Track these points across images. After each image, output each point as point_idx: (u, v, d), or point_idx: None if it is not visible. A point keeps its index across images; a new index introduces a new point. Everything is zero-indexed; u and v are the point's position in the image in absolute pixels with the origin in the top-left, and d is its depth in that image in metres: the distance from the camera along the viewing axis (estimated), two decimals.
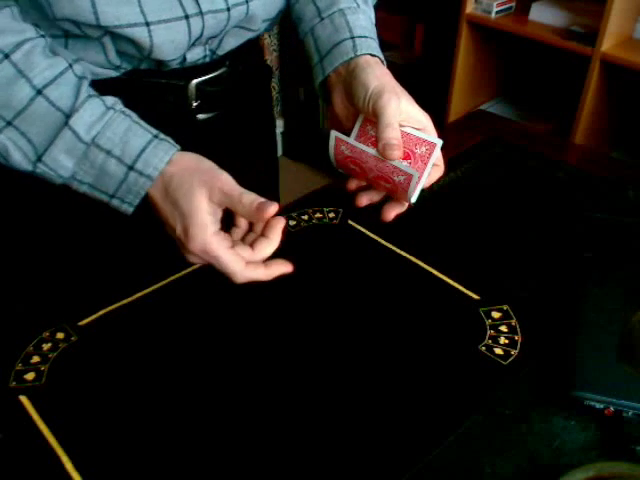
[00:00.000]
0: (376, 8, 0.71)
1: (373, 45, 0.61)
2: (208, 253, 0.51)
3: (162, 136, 0.53)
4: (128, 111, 0.54)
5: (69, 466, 0.46)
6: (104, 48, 0.57)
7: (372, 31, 0.64)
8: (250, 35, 0.67)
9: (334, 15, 0.62)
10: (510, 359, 0.55)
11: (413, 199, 0.57)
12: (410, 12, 2.02)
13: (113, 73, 0.60)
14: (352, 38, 0.61)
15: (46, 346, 0.56)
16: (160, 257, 0.65)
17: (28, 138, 0.52)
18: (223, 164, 0.72)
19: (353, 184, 0.60)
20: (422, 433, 0.49)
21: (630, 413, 0.49)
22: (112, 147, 0.52)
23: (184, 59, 0.62)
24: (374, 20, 0.67)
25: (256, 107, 0.78)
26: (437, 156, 0.56)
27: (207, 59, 0.65)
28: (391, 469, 0.47)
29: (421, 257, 0.66)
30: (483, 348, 0.56)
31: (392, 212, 0.59)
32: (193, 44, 0.60)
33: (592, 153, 1.02)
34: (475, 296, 0.62)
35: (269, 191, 0.86)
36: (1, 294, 0.69)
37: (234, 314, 0.60)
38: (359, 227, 0.71)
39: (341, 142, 0.57)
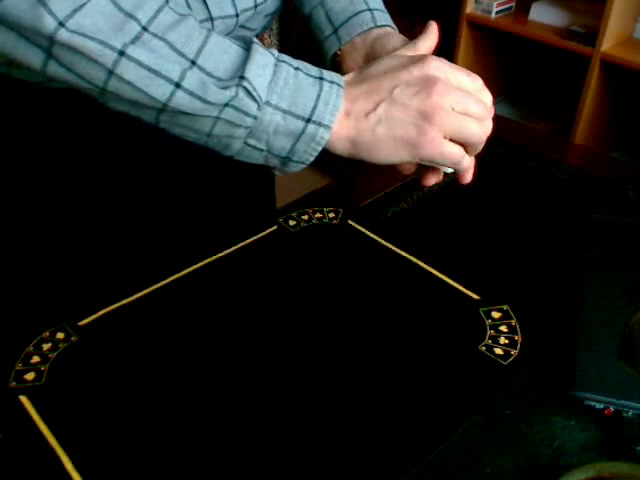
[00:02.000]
0: None
1: (389, 18, 0.63)
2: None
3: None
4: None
5: (69, 466, 0.46)
6: None
7: (384, 7, 0.65)
8: (250, 34, 0.66)
9: None
10: (510, 359, 0.55)
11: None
12: (410, 12, 2.02)
13: None
14: (370, 10, 0.61)
15: (46, 346, 0.56)
16: (160, 257, 0.65)
17: (215, 76, 0.48)
18: (216, 164, 0.71)
19: None
20: (422, 433, 0.49)
21: (630, 413, 0.49)
22: (297, 64, 0.51)
23: None
24: None
25: None
26: None
27: None
28: (391, 469, 0.47)
29: (421, 257, 0.66)
30: (483, 348, 0.56)
31: (431, 179, 0.59)
32: None
33: (592, 153, 1.02)
34: (475, 296, 0.62)
35: (264, 190, 0.86)
36: (1, 294, 0.69)
37: (234, 314, 0.60)
38: (359, 227, 0.71)
39: None
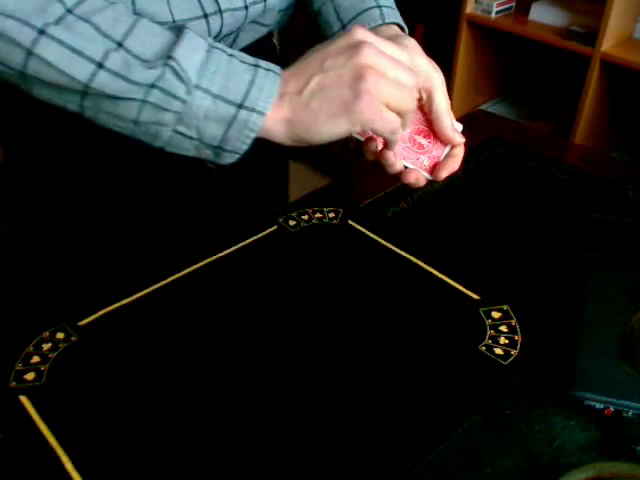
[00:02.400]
0: None
1: (399, 16, 0.62)
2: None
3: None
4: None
5: (69, 466, 0.46)
6: None
7: (394, 5, 0.64)
8: (264, 30, 0.66)
9: None
10: (510, 359, 0.55)
11: (443, 155, 0.60)
12: (410, 12, 2.02)
13: None
14: (379, 7, 0.61)
15: (46, 346, 0.56)
16: (160, 257, 0.65)
17: (142, 59, 0.47)
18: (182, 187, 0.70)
19: (374, 143, 0.58)
20: (422, 433, 0.49)
21: (630, 413, 0.49)
22: (232, 52, 0.50)
23: None
24: None
25: None
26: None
27: None
28: (391, 469, 0.47)
29: (421, 257, 0.66)
30: (483, 348, 0.56)
31: (444, 171, 0.59)
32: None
33: (592, 153, 1.02)
34: (475, 296, 0.62)
35: (277, 191, 0.86)
36: (1, 294, 0.69)
37: (234, 314, 0.60)
38: (359, 227, 0.71)
39: None
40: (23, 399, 0.51)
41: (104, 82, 0.46)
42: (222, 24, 0.59)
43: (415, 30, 2.00)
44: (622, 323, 0.56)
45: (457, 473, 0.47)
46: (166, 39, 0.48)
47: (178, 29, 0.49)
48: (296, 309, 0.60)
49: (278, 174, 0.87)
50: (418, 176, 0.59)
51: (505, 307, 0.60)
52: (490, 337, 0.57)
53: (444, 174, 0.60)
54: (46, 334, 0.57)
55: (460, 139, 0.59)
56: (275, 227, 0.70)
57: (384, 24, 0.60)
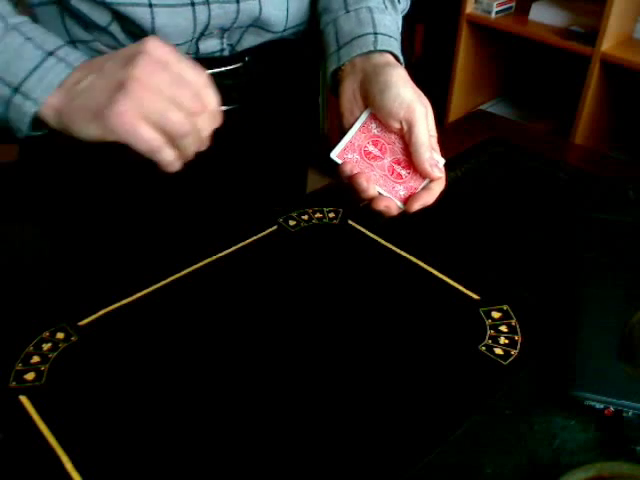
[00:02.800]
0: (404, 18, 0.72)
1: (395, 45, 0.62)
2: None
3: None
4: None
5: (69, 466, 0.46)
6: (114, 37, 0.58)
7: (396, 34, 0.64)
8: (271, 36, 0.66)
9: (361, 10, 0.62)
10: (510, 359, 0.55)
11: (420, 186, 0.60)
12: (410, 12, 2.02)
13: None
14: (375, 34, 0.61)
15: (46, 346, 0.56)
16: (160, 257, 0.65)
17: None
18: (237, 162, 0.71)
19: (348, 167, 0.59)
20: (422, 433, 0.49)
21: (630, 413, 0.49)
22: (34, 36, 0.49)
23: (197, 49, 0.62)
24: (400, 28, 0.68)
25: (290, 109, 0.76)
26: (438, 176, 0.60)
27: (225, 52, 0.65)
28: (391, 469, 0.47)
29: (421, 257, 0.66)
30: (483, 348, 0.56)
31: (417, 203, 0.59)
32: (202, 34, 0.60)
33: (592, 153, 1.02)
34: (475, 296, 0.62)
35: (294, 200, 0.84)
36: (1, 294, 0.69)
37: (234, 314, 0.60)
38: (359, 227, 0.71)
39: (374, 119, 0.59)
40: (23, 399, 0.51)
41: None
42: (209, 15, 0.58)
43: (415, 30, 2.00)
44: (622, 323, 0.56)
45: (457, 473, 0.47)
46: None
47: None
48: (296, 309, 0.60)
49: (296, 179, 0.87)
50: (389, 204, 0.59)
51: (505, 307, 0.60)
52: (490, 337, 0.57)
53: (416, 206, 0.59)
54: (46, 334, 0.57)
55: (438, 174, 0.59)
56: (275, 227, 0.70)
57: (376, 51, 0.60)
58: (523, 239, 0.70)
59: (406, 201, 0.60)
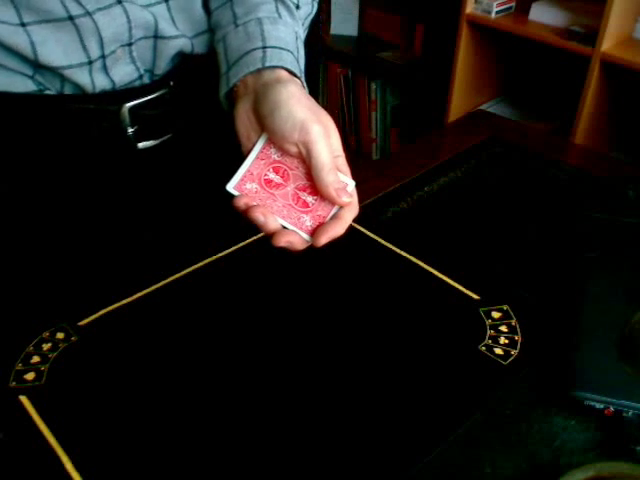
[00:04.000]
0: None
1: (288, 58, 0.55)
2: None
3: None
4: None
5: (69, 466, 0.46)
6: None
7: (292, 45, 0.57)
8: (183, 46, 0.61)
9: (250, 23, 0.56)
10: (510, 359, 0.55)
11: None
12: (410, 12, 2.02)
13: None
14: (263, 48, 0.54)
15: (46, 346, 0.56)
16: (160, 257, 0.65)
17: None
18: (171, 199, 0.66)
19: (242, 201, 0.53)
20: (422, 433, 0.49)
21: (630, 413, 0.49)
22: None
23: (112, 81, 0.58)
24: (302, 36, 0.61)
25: (216, 133, 0.67)
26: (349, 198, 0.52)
27: (145, 79, 0.61)
28: (391, 469, 0.47)
29: (421, 257, 0.66)
30: (483, 348, 0.56)
31: (324, 236, 0.52)
32: (103, 56, 0.56)
33: (592, 153, 1.02)
34: (475, 296, 0.62)
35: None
36: (1, 294, 0.69)
37: (234, 314, 0.60)
38: (359, 227, 0.71)
39: (272, 144, 0.53)
40: (23, 399, 0.51)
41: None
42: (97, 27, 0.54)
43: (415, 30, 2.00)
44: (622, 323, 0.56)
45: (457, 473, 0.47)
46: None
47: None
48: (296, 309, 0.60)
49: None
50: (292, 239, 0.52)
51: (505, 307, 0.60)
52: (490, 337, 0.57)
53: (323, 240, 0.51)
54: (46, 334, 0.57)
55: (346, 199, 0.51)
56: None
57: (264, 68, 0.53)
58: (523, 239, 0.70)
59: (313, 232, 0.52)
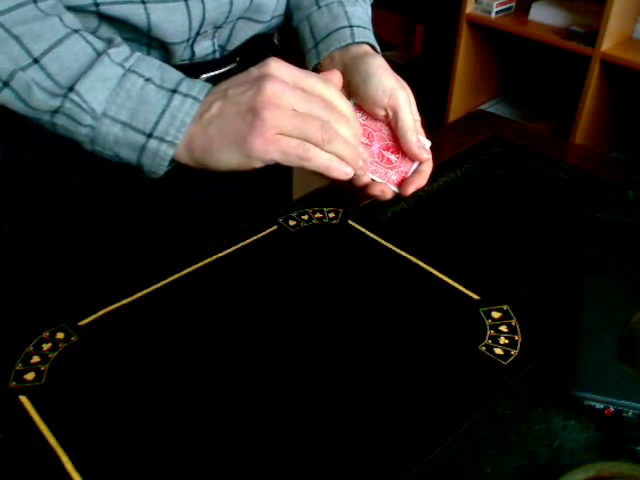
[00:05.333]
0: (373, 6, 0.73)
1: (370, 35, 0.63)
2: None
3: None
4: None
5: (69, 466, 0.46)
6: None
7: (369, 24, 0.66)
8: (259, 28, 0.66)
9: (333, 5, 0.64)
10: (510, 359, 0.55)
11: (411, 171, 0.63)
12: (410, 12, 2.02)
13: None
14: (350, 27, 0.62)
15: (46, 346, 0.56)
16: (160, 257, 0.65)
17: (55, 80, 0.47)
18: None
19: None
20: (422, 433, 0.49)
21: (630, 413, 0.49)
22: (151, 75, 0.49)
23: (193, 54, 0.62)
24: (371, 17, 0.69)
25: None
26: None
27: (217, 55, 0.65)
28: (391, 469, 0.47)
29: (421, 257, 0.66)
30: (483, 348, 0.56)
31: (411, 186, 0.61)
32: (198, 33, 0.60)
33: (592, 153, 1.02)
34: (475, 296, 0.62)
35: (281, 190, 0.86)
36: (1, 294, 0.69)
37: (234, 314, 0.60)
38: (359, 227, 0.71)
39: (358, 109, 0.61)
40: (23, 399, 0.51)
41: (8, 100, 0.47)
42: (204, 9, 0.58)
43: (415, 30, 2.00)
44: (622, 323, 0.56)
45: (457, 473, 0.47)
46: (83, 64, 0.47)
47: (101, 53, 0.48)
48: (296, 309, 0.60)
49: (282, 176, 0.87)
50: (384, 189, 0.61)
51: (505, 307, 0.60)
52: (490, 337, 0.57)
53: (411, 189, 0.61)
54: (46, 334, 0.57)
55: (426, 155, 0.61)
56: (275, 227, 0.70)
57: (354, 43, 0.62)
58: (523, 239, 0.70)
59: (399, 184, 0.62)
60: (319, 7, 0.64)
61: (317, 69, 0.64)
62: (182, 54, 0.61)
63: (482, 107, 1.93)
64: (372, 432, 0.49)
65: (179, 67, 0.61)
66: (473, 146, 0.88)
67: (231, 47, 0.66)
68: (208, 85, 0.51)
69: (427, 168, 0.62)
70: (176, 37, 0.59)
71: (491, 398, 0.52)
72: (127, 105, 0.48)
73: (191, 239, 0.68)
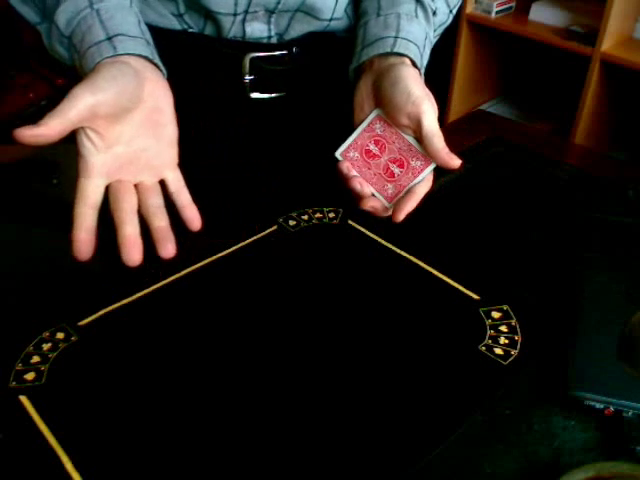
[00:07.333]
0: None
1: (413, 50, 0.62)
2: None
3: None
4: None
5: (69, 466, 0.46)
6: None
7: (420, 41, 0.64)
8: (318, 25, 0.69)
9: (390, 16, 0.65)
10: (510, 359, 0.55)
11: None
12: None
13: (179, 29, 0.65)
14: (395, 37, 0.63)
15: (46, 346, 0.56)
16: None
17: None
18: (271, 153, 0.71)
19: (344, 165, 0.63)
20: (422, 433, 0.49)
21: (630, 413, 0.49)
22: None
23: (244, 32, 0.65)
24: (433, 40, 0.69)
25: (331, 106, 0.76)
26: (427, 174, 0.61)
27: (273, 40, 0.67)
28: (391, 469, 0.47)
29: (421, 257, 0.66)
30: (483, 348, 0.56)
31: (402, 212, 0.60)
32: (247, 11, 0.63)
33: (592, 153, 1.02)
34: (475, 296, 0.62)
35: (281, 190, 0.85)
36: (1, 294, 0.69)
37: (234, 314, 0.60)
38: (359, 227, 0.71)
39: (380, 119, 0.61)
40: (23, 399, 0.51)
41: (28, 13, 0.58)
42: None
43: None
44: (621, 323, 0.56)
45: (457, 473, 0.47)
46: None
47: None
48: (296, 309, 0.60)
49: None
50: (376, 205, 0.62)
51: (505, 307, 0.60)
52: (490, 337, 0.57)
53: (401, 216, 0.61)
54: (46, 334, 0.57)
55: (457, 161, 0.59)
56: (275, 227, 0.70)
57: (393, 53, 0.62)
58: (523, 239, 0.70)
59: (392, 199, 0.62)
60: (378, 16, 0.65)
61: (358, 71, 0.65)
62: (231, 30, 0.64)
63: (482, 107, 1.93)
64: (372, 432, 0.49)
65: (231, 43, 0.66)
66: (473, 146, 0.88)
67: (288, 37, 0.68)
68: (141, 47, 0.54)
69: (422, 189, 0.61)
70: (220, 7, 0.62)
71: (491, 398, 0.52)
72: (79, 29, 0.53)
73: (191, 239, 0.68)
